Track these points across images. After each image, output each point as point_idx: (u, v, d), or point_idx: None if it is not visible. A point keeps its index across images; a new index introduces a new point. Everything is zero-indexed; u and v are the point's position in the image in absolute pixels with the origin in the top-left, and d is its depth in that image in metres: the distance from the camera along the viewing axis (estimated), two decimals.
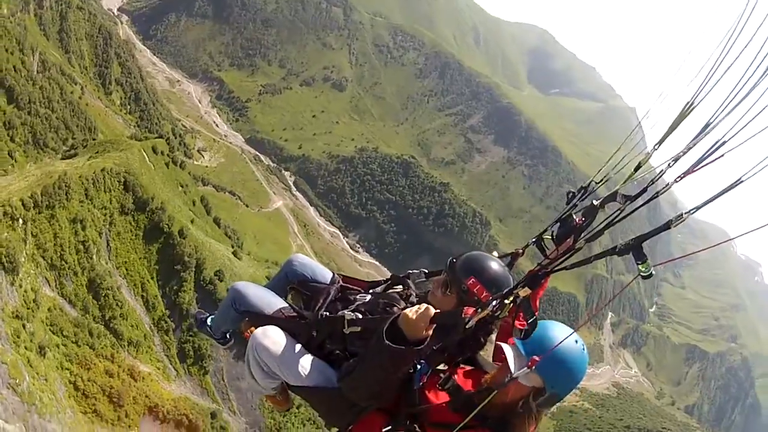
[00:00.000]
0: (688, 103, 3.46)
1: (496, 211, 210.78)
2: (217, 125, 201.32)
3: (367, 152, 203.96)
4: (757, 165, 2.73)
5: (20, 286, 68.97)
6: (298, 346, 4.84)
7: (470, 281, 4.40)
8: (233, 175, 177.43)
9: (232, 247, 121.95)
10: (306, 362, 4.75)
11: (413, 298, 5.02)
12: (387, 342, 3.86)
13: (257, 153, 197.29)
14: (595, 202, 4.40)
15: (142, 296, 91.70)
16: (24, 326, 65.96)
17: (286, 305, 5.33)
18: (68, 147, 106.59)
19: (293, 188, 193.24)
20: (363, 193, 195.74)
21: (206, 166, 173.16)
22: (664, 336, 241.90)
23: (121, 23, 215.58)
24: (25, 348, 63.68)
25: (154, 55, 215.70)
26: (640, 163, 3.88)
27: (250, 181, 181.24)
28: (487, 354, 4.82)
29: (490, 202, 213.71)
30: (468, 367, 4.67)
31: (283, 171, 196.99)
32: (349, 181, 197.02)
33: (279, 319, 5.11)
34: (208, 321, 6.39)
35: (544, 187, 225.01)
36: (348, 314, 4.67)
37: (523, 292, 3.65)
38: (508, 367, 3.87)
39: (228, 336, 6.37)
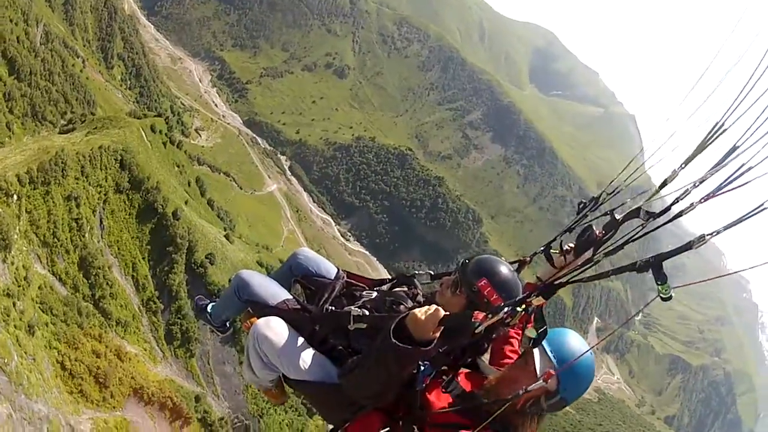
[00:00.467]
0: (717, 123, 3.41)
1: (488, 208, 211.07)
2: (216, 105, 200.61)
3: (364, 141, 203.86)
4: None
5: (12, 264, 68.41)
6: (301, 339, 4.80)
7: (482, 282, 4.43)
8: (229, 156, 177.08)
9: (225, 229, 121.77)
10: (307, 356, 4.71)
11: (420, 298, 5.02)
12: (394, 341, 3.81)
13: (254, 135, 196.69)
14: (618, 216, 4.37)
15: (133, 276, 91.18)
16: (14, 304, 65.55)
17: (291, 297, 5.28)
18: (66, 121, 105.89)
19: (288, 173, 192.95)
20: (357, 181, 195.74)
21: (203, 146, 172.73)
22: (648, 345, 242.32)
23: None
24: (15, 327, 63.09)
25: (158, 31, 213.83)
26: (666, 180, 3.79)
27: (245, 163, 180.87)
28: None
29: (483, 199, 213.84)
30: (467, 370, 4.64)
31: (279, 155, 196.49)
32: (345, 169, 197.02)
33: (282, 311, 5.08)
34: (208, 308, 6.35)
35: (538, 187, 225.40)
36: (354, 310, 4.65)
37: (537, 301, 3.60)
38: (533, 370, 3.91)
39: (228, 324, 6.33)
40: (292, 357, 4.69)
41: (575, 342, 4.05)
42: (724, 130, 3.34)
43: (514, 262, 5.25)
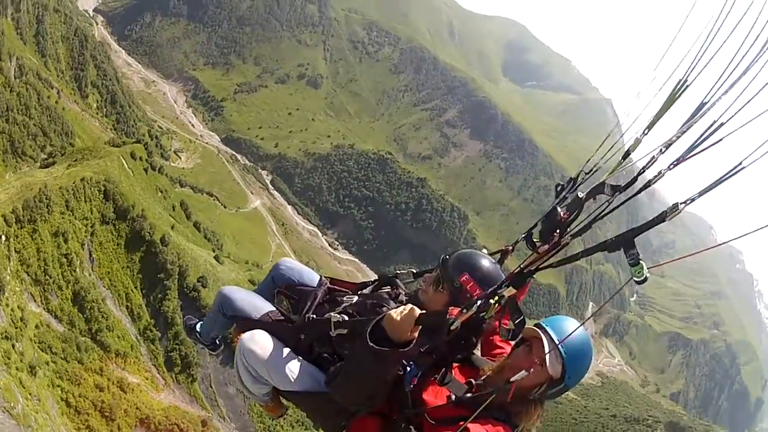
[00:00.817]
0: (680, 80, 3.21)
1: (473, 204, 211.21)
2: (193, 125, 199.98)
3: (343, 149, 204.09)
4: (759, 149, 2.42)
5: (7, 305, 68.12)
6: (286, 350, 4.76)
7: (463, 278, 4.40)
8: (210, 176, 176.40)
9: (213, 250, 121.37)
10: (294, 366, 4.67)
11: (402, 297, 4.97)
12: (371, 344, 3.77)
13: (234, 152, 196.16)
14: (581, 194, 4.08)
15: (127, 306, 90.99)
16: (13, 346, 65.21)
17: (274, 309, 5.24)
18: (46, 155, 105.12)
19: (270, 187, 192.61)
20: (340, 190, 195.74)
21: (183, 168, 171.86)
22: (646, 324, 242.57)
23: (97, 24, 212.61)
24: (16, 369, 62.89)
25: (130, 55, 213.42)
26: (629, 149, 3.60)
27: (227, 181, 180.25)
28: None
29: (467, 196, 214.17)
30: (459, 364, 4.55)
31: (260, 170, 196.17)
32: (326, 178, 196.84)
33: (266, 323, 5.04)
34: (198, 327, 6.32)
35: (521, 179, 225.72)
36: (334, 316, 4.56)
37: (508, 292, 3.60)
38: (539, 357, 3.90)
39: (218, 342, 6.32)
40: (279, 369, 4.67)
41: (572, 326, 4.05)
42: (687, 86, 3.20)
43: (496, 252, 5.19)
